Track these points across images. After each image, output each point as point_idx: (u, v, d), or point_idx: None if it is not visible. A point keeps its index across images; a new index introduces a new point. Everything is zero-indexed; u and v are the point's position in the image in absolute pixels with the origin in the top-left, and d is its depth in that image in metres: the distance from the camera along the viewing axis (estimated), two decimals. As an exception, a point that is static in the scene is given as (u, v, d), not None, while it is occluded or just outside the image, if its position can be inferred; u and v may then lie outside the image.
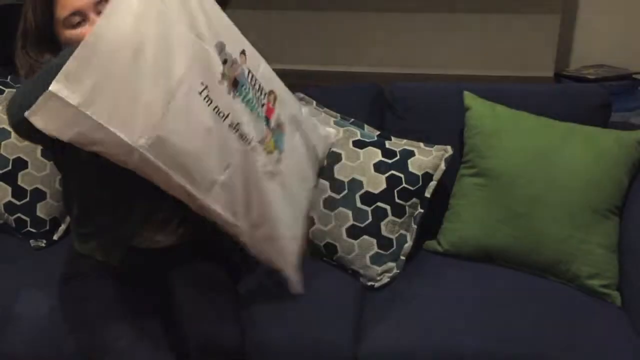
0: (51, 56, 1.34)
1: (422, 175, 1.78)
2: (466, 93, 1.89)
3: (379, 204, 1.75)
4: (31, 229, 1.89)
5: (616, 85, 2.44)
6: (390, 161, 1.79)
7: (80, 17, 1.32)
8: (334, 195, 1.77)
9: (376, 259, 1.73)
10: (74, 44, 1.24)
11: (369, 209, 1.75)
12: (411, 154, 1.80)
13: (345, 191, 1.76)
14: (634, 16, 2.63)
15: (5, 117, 1.94)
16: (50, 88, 1.12)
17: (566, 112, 1.85)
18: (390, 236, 1.75)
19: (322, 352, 1.52)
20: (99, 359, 1.40)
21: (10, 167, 1.89)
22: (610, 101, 1.91)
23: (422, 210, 1.79)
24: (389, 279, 1.72)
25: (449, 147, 1.81)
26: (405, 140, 1.86)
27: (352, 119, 1.92)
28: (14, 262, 1.80)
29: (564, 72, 2.61)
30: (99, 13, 1.29)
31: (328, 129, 1.79)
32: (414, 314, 1.57)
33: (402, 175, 1.77)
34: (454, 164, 1.84)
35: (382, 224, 1.74)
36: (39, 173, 1.90)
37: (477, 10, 2.61)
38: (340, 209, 1.76)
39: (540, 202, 1.69)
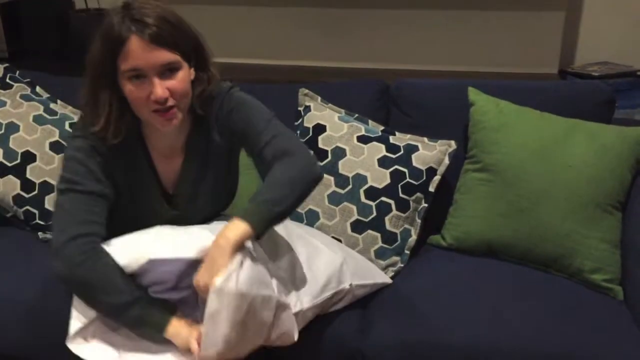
0: (110, 94, 1.34)
1: (426, 170, 1.79)
2: (470, 89, 1.90)
3: (383, 198, 1.76)
4: (39, 222, 1.90)
5: (620, 82, 2.44)
6: (394, 156, 1.80)
7: (141, 74, 1.29)
8: (338, 190, 1.78)
9: (380, 253, 1.75)
10: (131, 101, 1.32)
11: (373, 204, 1.76)
12: (415, 148, 1.81)
13: (350, 186, 1.78)
14: (638, 13, 2.63)
15: (12, 110, 1.98)
16: None
17: (570, 108, 1.86)
18: (395, 231, 1.76)
19: (327, 345, 1.53)
20: None
21: (19, 160, 1.91)
22: (614, 98, 1.92)
23: (426, 205, 1.80)
24: (393, 273, 1.73)
25: (452, 142, 1.83)
26: (409, 135, 1.87)
27: (357, 115, 1.93)
28: (23, 254, 1.82)
29: (569, 69, 2.61)
30: (161, 74, 1.29)
31: None
32: (418, 308, 1.57)
33: (406, 170, 1.78)
34: (458, 159, 1.85)
35: (387, 219, 1.76)
36: (48, 166, 1.92)
37: (482, 7, 2.61)
38: (345, 203, 1.77)
39: (543, 197, 1.70)
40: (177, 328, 1.31)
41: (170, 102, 1.31)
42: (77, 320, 1.35)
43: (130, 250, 1.32)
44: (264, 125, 1.42)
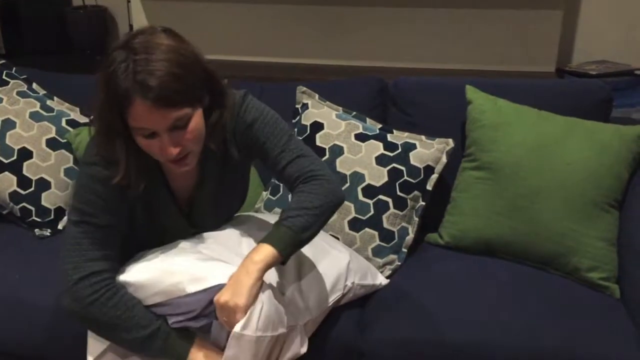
0: (125, 142, 1.27)
1: (424, 168, 1.79)
2: (468, 87, 1.90)
3: (381, 196, 1.76)
4: (36, 218, 1.90)
5: (618, 81, 2.44)
6: (392, 154, 1.80)
7: (151, 132, 1.23)
8: (336, 187, 1.78)
9: (378, 252, 1.75)
10: (146, 151, 1.27)
11: (370, 202, 1.76)
12: (413, 147, 1.81)
13: (347, 184, 1.78)
14: (636, 12, 2.64)
15: (9, 107, 1.97)
16: None
17: (568, 107, 1.86)
18: (392, 229, 1.76)
19: (325, 342, 1.53)
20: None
21: (15, 157, 1.91)
22: (611, 96, 1.92)
23: (423, 203, 1.80)
24: (390, 271, 1.74)
25: (450, 140, 1.83)
26: (407, 134, 1.87)
27: (354, 112, 1.93)
28: (19, 251, 1.82)
29: (566, 68, 2.62)
30: (171, 130, 1.23)
31: None
32: (416, 305, 1.57)
33: (403, 168, 1.78)
34: (455, 157, 1.85)
35: (384, 217, 1.75)
36: (44, 163, 1.92)
37: (480, 5, 2.62)
38: (343, 201, 1.77)
39: (541, 195, 1.70)
40: (197, 356, 1.29)
41: (183, 153, 1.27)
42: (93, 347, 1.35)
43: (160, 279, 1.31)
44: (286, 141, 1.39)
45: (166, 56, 1.19)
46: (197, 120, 1.26)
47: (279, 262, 1.30)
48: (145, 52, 1.18)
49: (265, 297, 1.25)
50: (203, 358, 1.29)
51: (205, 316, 1.28)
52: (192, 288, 1.27)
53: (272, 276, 1.36)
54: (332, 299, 1.48)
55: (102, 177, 1.29)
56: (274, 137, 1.39)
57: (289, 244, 1.29)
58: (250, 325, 1.21)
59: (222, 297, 1.21)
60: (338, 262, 1.53)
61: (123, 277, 1.33)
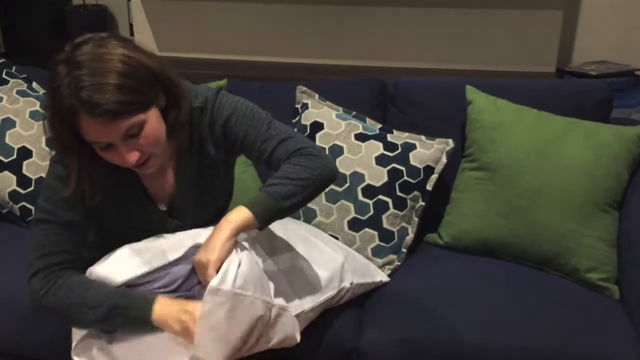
0: (78, 159, 1.26)
1: (424, 168, 1.79)
2: (468, 87, 1.90)
3: (381, 196, 1.76)
4: (35, 218, 1.90)
5: (618, 82, 2.45)
6: (391, 154, 1.80)
7: (106, 144, 1.21)
8: (335, 188, 1.78)
9: (377, 252, 1.75)
10: (105, 159, 1.25)
11: (370, 202, 1.76)
12: (413, 147, 1.81)
13: (347, 184, 1.78)
14: (636, 13, 2.64)
15: (8, 106, 1.97)
16: None
17: (567, 107, 1.86)
18: (392, 229, 1.76)
19: (323, 342, 1.53)
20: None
21: (15, 156, 1.90)
22: (611, 97, 1.92)
23: (423, 203, 1.80)
24: (390, 271, 1.73)
25: (450, 140, 1.83)
26: (407, 134, 1.87)
27: (354, 113, 1.93)
28: (18, 250, 1.81)
29: (566, 68, 2.62)
30: (125, 139, 1.20)
31: None
32: (415, 306, 1.58)
33: (403, 169, 1.78)
34: (455, 158, 1.85)
35: (384, 217, 1.76)
36: (44, 162, 1.92)
37: (480, 5, 2.62)
38: (342, 201, 1.77)
39: (540, 196, 1.70)
40: (163, 308, 1.26)
41: (143, 158, 1.25)
42: (75, 332, 1.35)
43: (144, 248, 1.32)
44: (266, 129, 1.38)
45: (109, 66, 1.15)
46: (152, 123, 1.23)
47: (256, 227, 1.28)
48: (87, 67, 1.15)
49: (244, 255, 1.25)
50: (171, 305, 1.26)
51: (181, 291, 1.29)
52: (174, 255, 1.29)
53: (261, 260, 1.35)
54: (325, 297, 1.47)
55: (63, 175, 1.30)
56: (253, 129, 1.37)
57: (266, 210, 1.27)
58: (227, 281, 1.19)
59: (197, 256, 1.24)
60: (332, 261, 1.52)
61: (107, 257, 1.34)
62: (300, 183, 1.30)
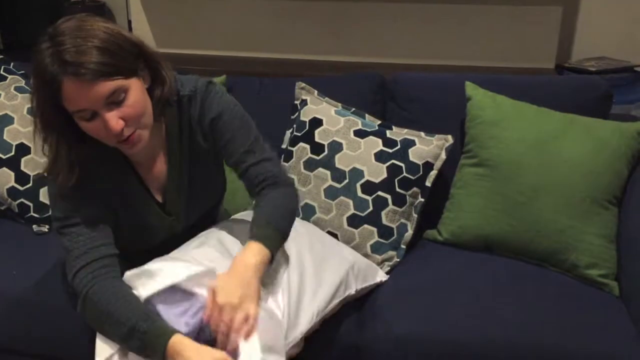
0: (57, 136, 1.25)
1: (423, 164, 1.79)
2: (468, 83, 1.89)
3: (380, 193, 1.76)
4: (34, 214, 1.90)
5: (617, 78, 2.44)
6: (391, 150, 1.80)
7: (90, 113, 1.21)
8: (334, 184, 1.78)
9: (377, 248, 1.74)
10: (90, 134, 1.25)
11: (369, 198, 1.76)
12: (412, 143, 1.81)
13: (346, 180, 1.77)
14: (636, 9, 2.64)
15: (7, 102, 1.96)
16: None
17: (567, 103, 1.86)
18: (391, 225, 1.76)
19: (323, 339, 1.53)
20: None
21: (13, 153, 1.90)
22: (610, 93, 1.92)
23: (422, 200, 1.80)
24: (389, 268, 1.73)
25: (449, 137, 1.82)
26: (406, 130, 1.87)
27: (353, 109, 1.92)
28: (17, 247, 1.81)
29: (566, 64, 2.61)
30: (108, 106, 1.21)
31: None
32: (414, 302, 1.57)
33: (402, 165, 1.78)
34: (454, 154, 1.85)
35: (383, 213, 1.75)
36: (42, 159, 1.89)
37: (480, 1, 2.61)
38: (341, 198, 1.77)
39: (540, 192, 1.70)
40: (177, 347, 1.24)
41: (129, 131, 1.24)
42: (101, 349, 1.32)
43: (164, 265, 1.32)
44: (253, 141, 1.42)
45: (91, 33, 1.18)
46: (135, 93, 1.24)
47: (269, 262, 1.31)
48: (69, 35, 1.17)
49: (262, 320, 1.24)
50: (186, 348, 1.24)
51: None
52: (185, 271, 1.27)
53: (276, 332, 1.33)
54: (331, 305, 1.46)
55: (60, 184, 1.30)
56: (240, 136, 1.40)
57: (276, 242, 1.33)
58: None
59: (225, 300, 1.21)
60: (338, 271, 1.51)
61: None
62: (291, 215, 1.40)
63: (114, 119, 1.21)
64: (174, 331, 1.24)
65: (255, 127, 1.45)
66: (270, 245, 1.30)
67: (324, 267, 1.49)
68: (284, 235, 1.37)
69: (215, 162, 1.52)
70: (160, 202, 1.46)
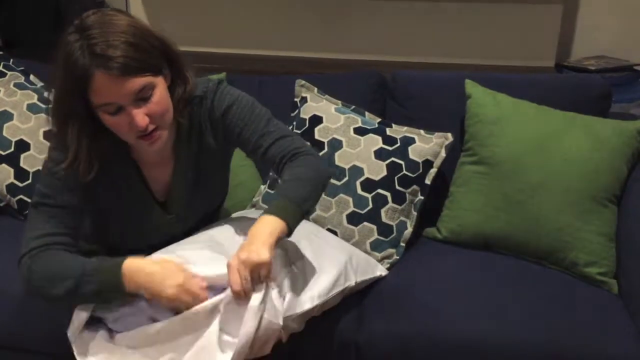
0: (79, 128, 1.25)
1: (423, 162, 1.79)
2: (467, 81, 1.90)
3: (380, 190, 1.76)
4: (33, 211, 1.89)
5: (617, 77, 2.44)
6: (390, 148, 1.79)
7: (116, 107, 1.21)
8: (334, 182, 1.77)
9: (376, 246, 1.74)
10: (113, 130, 1.25)
11: (369, 196, 1.76)
12: (412, 141, 1.81)
13: (346, 178, 1.77)
14: (636, 8, 2.63)
15: (6, 98, 1.96)
16: None
17: (567, 101, 1.86)
18: (391, 223, 1.76)
19: (322, 337, 1.53)
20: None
21: (12, 149, 1.90)
22: (610, 91, 1.92)
23: (422, 197, 1.80)
24: (388, 265, 1.73)
25: (449, 135, 1.82)
26: (406, 128, 1.87)
27: (353, 106, 1.92)
28: (16, 243, 1.80)
29: (565, 63, 2.61)
30: (136, 102, 1.22)
31: None
32: (413, 300, 1.57)
33: (402, 163, 1.78)
34: (454, 152, 1.85)
35: (383, 211, 1.75)
36: (41, 155, 1.91)
37: (479, -1, 2.61)
38: (341, 195, 1.76)
39: (539, 190, 1.70)
40: (133, 266, 1.23)
41: (152, 127, 1.25)
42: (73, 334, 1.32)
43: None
44: (265, 125, 1.39)
45: (120, 29, 1.19)
46: (161, 91, 1.25)
47: (286, 235, 1.28)
48: (98, 28, 1.18)
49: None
50: (141, 269, 1.24)
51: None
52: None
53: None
54: (332, 293, 1.45)
55: (60, 159, 1.29)
56: (251, 122, 1.39)
57: (294, 215, 1.28)
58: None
59: (242, 255, 1.19)
60: (337, 261, 1.51)
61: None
62: (311, 183, 1.32)
63: (140, 115, 1.22)
64: (124, 258, 1.24)
65: (266, 110, 1.44)
66: (285, 215, 1.26)
67: (322, 257, 1.48)
68: (302, 204, 1.30)
69: (222, 164, 1.52)
70: (161, 201, 1.45)
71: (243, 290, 1.18)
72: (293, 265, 1.40)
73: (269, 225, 1.24)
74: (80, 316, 1.29)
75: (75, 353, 1.28)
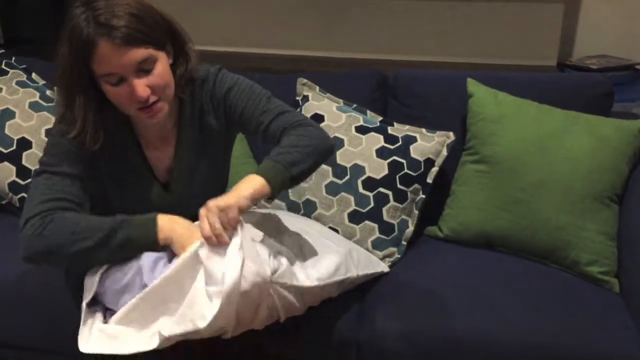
0: (84, 99, 1.28)
1: (424, 161, 1.79)
2: (469, 80, 1.89)
3: (381, 189, 1.76)
4: (35, 209, 1.90)
5: (619, 76, 2.44)
6: (392, 147, 1.80)
7: (118, 77, 1.25)
8: (336, 180, 1.78)
9: (377, 244, 1.75)
10: (113, 101, 1.28)
11: (370, 195, 1.76)
12: (413, 139, 1.81)
13: (347, 176, 1.77)
14: (638, 7, 2.63)
15: (8, 96, 1.96)
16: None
17: (568, 100, 1.86)
18: (392, 221, 1.76)
19: (323, 334, 1.54)
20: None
21: (14, 147, 1.90)
22: (612, 91, 1.92)
23: (423, 196, 1.80)
24: (390, 264, 1.73)
25: (451, 133, 1.82)
26: (407, 126, 1.87)
27: (355, 105, 1.93)
28: (17, 241, 1.81)
29: (567, 62, 2.61)
30: (138, 73, 1.25)
31: None
32: (415, 298, 1.58)
33: (404, 161, 1.78)
34: (456, 151, 1.85)
35: (384, 209, 1.75)
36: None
37: (481, -2, 2.61)
38: (342, 194, 1.77)
39: (541, 189, 1.70)
40: (168, 221, 1.27)
41: (153, 99, 1.28)
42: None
43: None
44: (265, 102, 1.43)
45: (125, 1, 1.23)
46: (163, 65, 1.29)
47: (267, 196, 1.28)
48: (106, 5, 1.22)
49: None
50: (174, 224, 1.28)
51: None
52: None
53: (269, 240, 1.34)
54: (335, 279, 1.45)
55: (64, 132, 1.32)
56: (252, 101, 1.42)
57: (277, 176, 1.28)
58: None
59: (210, 203, 1.21)
60: (337, 252, 1.52)
61: None
62: (305, 150, 1.33)
63: (141, 86, 1.25)
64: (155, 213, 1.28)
65: (265, 90, 1.46)
66: (267, 174, 1.27)
67: (322, 246, 1.49)
68: (290, 167, 1.30)
69: (224, 150, 1.54)
70: (163, 182, 1.47)
71: (214, 235, 1.19)
72: (290, 239, 1.40)
73: (248, 181, 1.26)
74: (92, 282, 1.30)
75: (79, 342, 1.29)
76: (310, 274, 1.38)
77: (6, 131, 1.91)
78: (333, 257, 1.47)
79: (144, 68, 1.25)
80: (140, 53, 1.23)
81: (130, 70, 1.24)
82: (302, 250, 1.43)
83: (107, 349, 1.25)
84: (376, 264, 1.65)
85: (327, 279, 1.41)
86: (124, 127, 1.40)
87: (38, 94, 2.01)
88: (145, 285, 1.26)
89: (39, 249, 1.27)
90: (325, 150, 1.38)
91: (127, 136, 1.41)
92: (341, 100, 1.93)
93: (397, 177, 1.77)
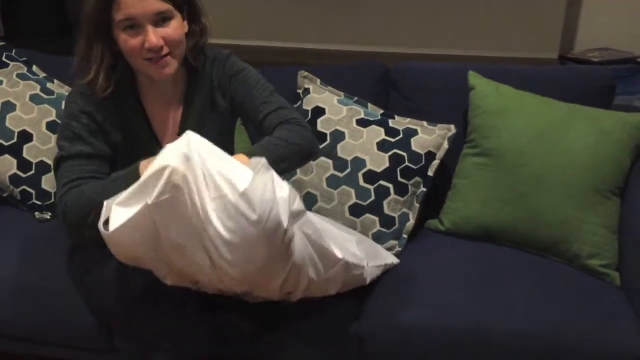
0: (102, 47, 1.39)
1: (425, 154, 1.79)
2: (471, 73, 1.89)
3: (382, 182, 1.76)
4: (36, 201, 1.90)
5: (620, 69, 2.43)
6: (393, 140, 1.79)
7: (135, 24, 1.34)
8: (336, 173, 1.77)
9: (378, 237, 1.75)
10: (125, 50, 1.37)
11: (371, 188, 1.76)
12: (414, 132, 1.80)
13: (348, 169, 1.77)
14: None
15: (9, 89, 1.96)
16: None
17: (570, 93, 1.85)
18: (393, 214, 1.76)
19: (324, 328, 1.54)
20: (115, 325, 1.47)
21: (15, 140, 1.90)
22: (614, 83, 1.91)
23: (424, 189, 1.80)
24: (390, 257, 1.74)
25: (452, 126, 1.82)
26: (408, 119, 1.87)
27: (356, 98, 1.92)
28: (19, 233, 1.82)
29: (569, 55, 2.60)
30: (155, 23, 1.35)
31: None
32: (415, 292, 1.58)
33: (405, 154, 1.78)
34: (457, 144, 1.85)
35: (385, 203, 1.75)
36: (44, 146, 1.91)
37: (483, -9, 2.60)
38: (343, 187, 1.76)
39: (542, 182, 1.70)
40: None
41: (164, 51, 1.36)
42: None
43: None
44: (267, 95, 1.50)
45: None
46: (178, 23, 1.39)
47: None
48: None
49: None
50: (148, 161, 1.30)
51: None
52: None
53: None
54: (354, 261, 1.45)
55: (78, 112, 1.42)
56: (256, 90, 1.50)
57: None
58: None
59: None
60: (347, 240, 1.53)
61: None
62: (294, 149, 1.40)
63: (155, 35, 1.34)
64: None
65: (270, 85, 1.54)
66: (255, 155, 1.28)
67: (331, 234, 1.47)
68: (278, 162, 1.33)
69: (227, 133, 1.61)
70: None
71: None
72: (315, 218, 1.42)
73: (236, 158, 1.26)
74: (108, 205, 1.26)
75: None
76: (339, 245, 1.40)
77: (7, 124, 1.91)
78: (350, 242, 1.50)
79: (162, 19, 1.35)
80: (159, 5, 1.33)
81: (148, 18, 1.33)
82: (324, 224, 1.47)
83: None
84: (385, 256, 1.66)
85: (352, 258, 1.43)
86: (130, 88, 1.48)
87: (39, 87, 2.01)
88: None
89: (72, 221, 1.34)
90: (311, 153, 1.47)
91: (135, 106, 1.49)
92: (342, 93, 1.93)
93: (398, 170, 1.76)
